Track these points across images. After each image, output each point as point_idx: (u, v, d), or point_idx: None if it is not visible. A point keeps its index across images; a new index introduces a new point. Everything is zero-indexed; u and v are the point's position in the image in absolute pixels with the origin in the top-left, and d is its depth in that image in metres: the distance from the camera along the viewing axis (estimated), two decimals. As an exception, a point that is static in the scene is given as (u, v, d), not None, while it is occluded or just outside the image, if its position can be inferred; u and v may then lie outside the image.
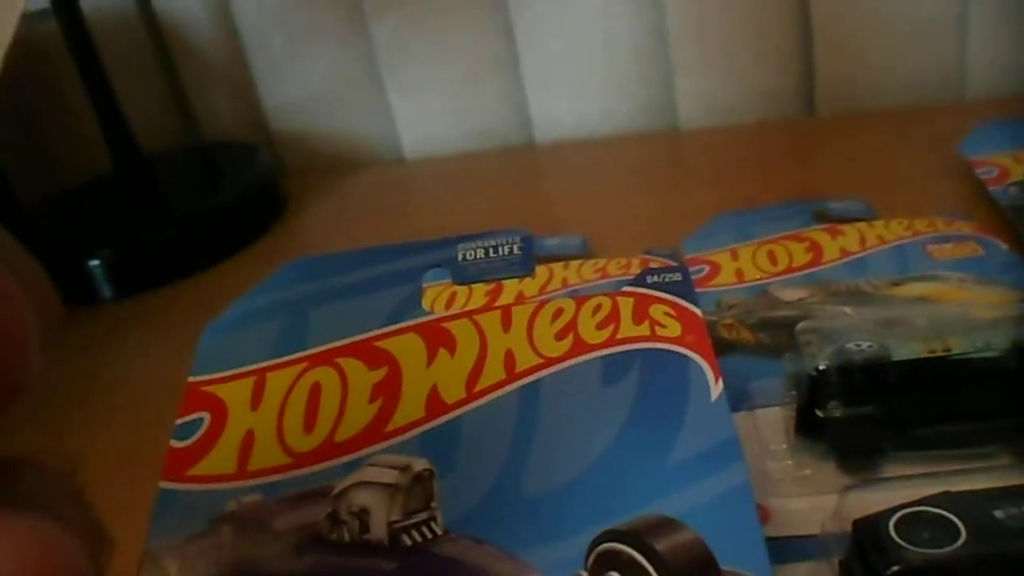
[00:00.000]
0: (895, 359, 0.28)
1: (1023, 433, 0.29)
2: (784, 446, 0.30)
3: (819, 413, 0.28)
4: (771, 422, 0.31)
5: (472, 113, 0.63)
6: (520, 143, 0.63)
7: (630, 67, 0.61)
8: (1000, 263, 0.40)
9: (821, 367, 0.28)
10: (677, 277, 0.27)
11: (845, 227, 0.44)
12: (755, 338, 0.36)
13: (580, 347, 0.27)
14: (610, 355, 0.26)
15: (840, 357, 0.29)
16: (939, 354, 0.29)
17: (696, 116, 0.61)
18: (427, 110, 0.64)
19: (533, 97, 0.62)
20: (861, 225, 0.44)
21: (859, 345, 0.29)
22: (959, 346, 0.29)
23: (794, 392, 0.30)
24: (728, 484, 0.24)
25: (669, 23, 0.59)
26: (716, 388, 0.25)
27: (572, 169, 0.59)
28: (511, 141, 0.64)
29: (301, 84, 0.64)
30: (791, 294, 0.39)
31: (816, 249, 0.42)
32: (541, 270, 0.43)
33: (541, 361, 0.27)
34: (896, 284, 0.39)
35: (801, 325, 0.30)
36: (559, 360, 0.27)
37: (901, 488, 0.25)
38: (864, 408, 0.28)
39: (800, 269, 0.41)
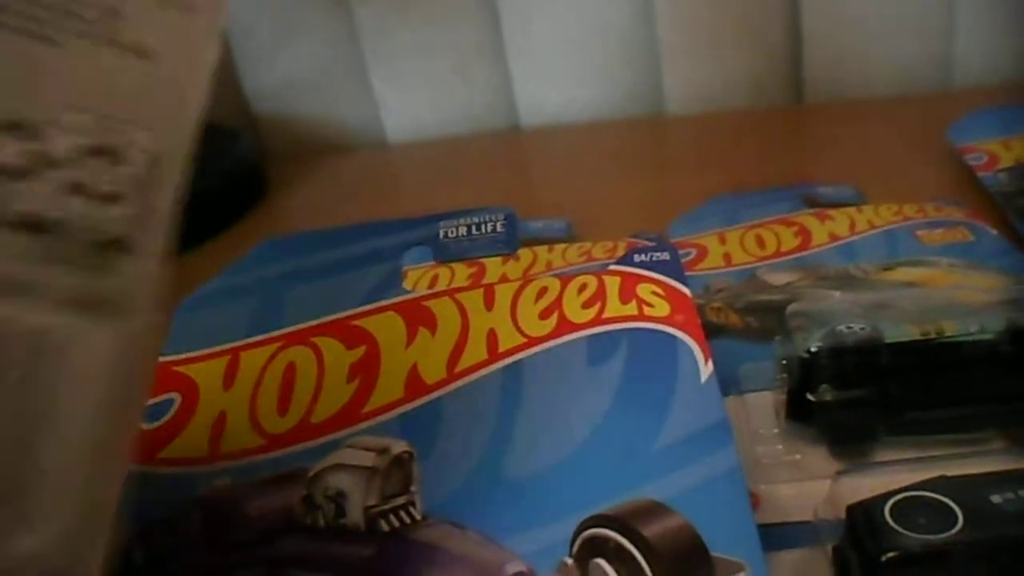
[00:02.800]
0: (888, 341, 0.28)
1: (1017, 417, 0.28)
2: (775, 431, 0.29)
3: (810, 397, 0.28)
4: (761, 406, 0.30)
5: (457, 98, 0.62)
6: (505, 129, 0.62)
7: (617, 53, 0.60)
8: (990, 248, 0.40)
9: (812, 349, 0.28)
10: (665, 256, 0.27)
11: (834, 212, 0.43)
12: (743, 322, 0.36)
13: (565, 326, 0.26)
14: (596, 335, 0.26)
15: (831, 339, 0.28)
16: (932, 337, 0.28)
17: (683, 102, 0.61)
18: (411, 95, 0.63)
19: (519, 83, 0.61)
20: (850, 210, 0.43)
21: (851, 327, 0.28)
22: (952, 329, 0.28)
23: (784, 375, 0.29)
24: (718, 468, 0.23)
25: (656, 8, 0.58)
26: (706, 369, 0.24)
27: (557, 154, 0.59)
28: (496, 127, 0.63)
29: (284, 67, 0.63)
30: (780, 278, 0.38)
31: (805, 233, 0.41)
32: (525, 253, 0.42)
33: (525, 341, 0.26)
34: (886, 269, 0.38)
35: (791, 308, 0.30)
36: (543, 340, 0.26)
37: (894, 473, 0.25)
38: (856, 391, 0.28)
39: (789, 253, 0.40)
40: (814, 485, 0.27)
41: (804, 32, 0.58)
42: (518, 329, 0.26)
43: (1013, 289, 0.32)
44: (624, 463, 0.23)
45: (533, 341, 0.26)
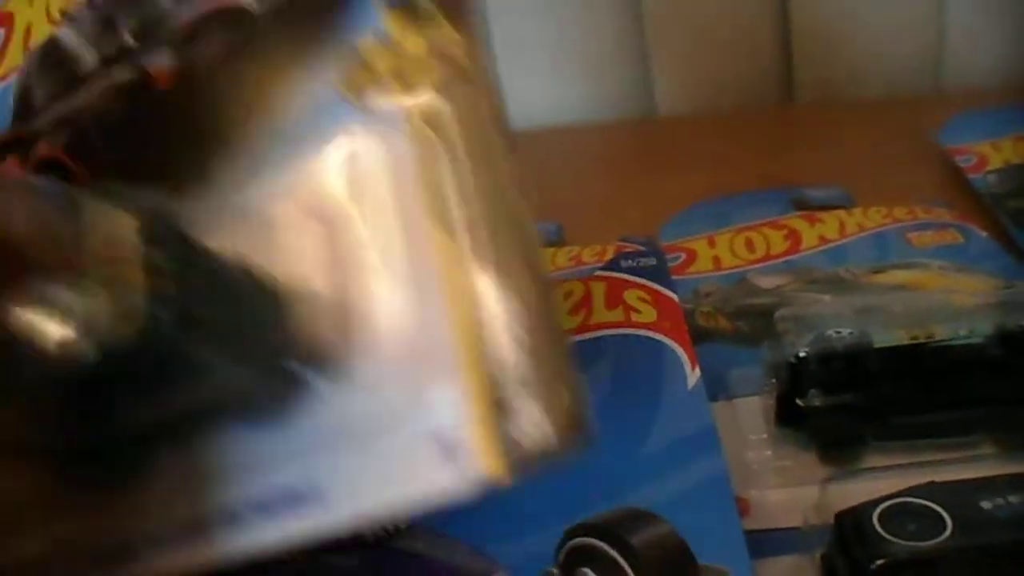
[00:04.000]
0: (876, 346, 0.28)
1: (1006, 422, 0.28)
2: (764, 436, 0.29)
3: (799, 402, 0.27)
4: (750, 412, 0.30)
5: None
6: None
7: (607, 53, 0.60)
8: (980, 250, 0.39)
9: (801, 355, 0.27)
10: (652, 261, 0.26)
11: (823, 215, 0.43)
12: (733, 326, 0.35)
13: None
14: (582, 341, 0.25)
15: (820, 344, 0.28)
16: (921, 341, 0.28)
17: (673, 103, 0.60)
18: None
19: (507, 83, 0.61)
20: (840, 212, 0.43)
21: (839, 332, 0.28)
22: (941, 333, 0.28)
23: (773, 380, 0.29)
24: (705, 474, 0.23)
25: (647, 8, 0.58)
26: (693, 376, 0.24)
27: (547, 156, 0.58)
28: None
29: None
30: (769, 281, 0.38)
31: (794, 236, 0.41)
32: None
33: None
34: (876, 272, 0.38)
35: (780, 312, 0.29)
36: None
37: (884, 479, 0.25)
38: (845, 396, 0.27)
39: (778, 256, 0.40)
40: (804, 491, 0.26)
41: (794, 33, 0.58)
42: None
43: (1003, 292, 0.32)
44: (611, 470, 0.23)
45: (519, 348, 0.25)
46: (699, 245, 0.42)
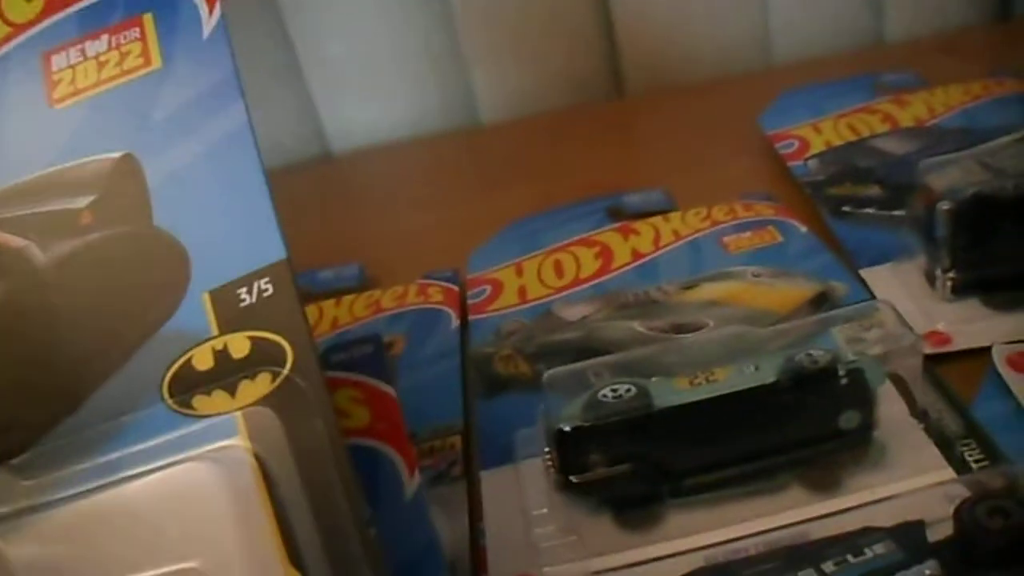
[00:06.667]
0: (657, 408, 0.24)
1: (808, 461, 0.26)
2: (544, 511, 0.26)
3: (573, 479, 0.24)
4: (534, 477, 0.27)
5: (258, 128, 0.58)
6: (316, 156, 0.58)
7: (421, 63, 0.56)
8: (799, 249, 0.37)
9: (566, 429, 0.24)
10: (368, 349, 0.23)
11: (639, 224, 0.40)
12: (533, 370, 0.32)
13: None
14: None
15: (594, 410, 0.25)
16: (704, 391, 0.25)
17: (498, 107, 0.57)
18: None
19: (323, 106, 0.57)
20: (656, 220, 0.40)
21: (615, 390, 0.25)
22: (725, 375, 0.25)
23: (547, 450, 0.26)
24: None
25: (456, 11, 0.54)
26: (412, 483, 0.21)
27: (360, 184, 0.54)
28: (307, 154, 0.58)
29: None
30: (575, 312, 0.35)
31: (606, 254, 0.38)
32: (311, 310, 0.38)
33: None
34: (687, 287, 0.35)
35: (548, 375, 0.26)
36: None
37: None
38: (626, 466, 0.24)
39: (587, 280, 0.37)
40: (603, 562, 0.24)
41: (616, 22, 0.55)
42: None
43: (791, 324, 0.29)
44: None
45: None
46: (506, 275, 0.38)
